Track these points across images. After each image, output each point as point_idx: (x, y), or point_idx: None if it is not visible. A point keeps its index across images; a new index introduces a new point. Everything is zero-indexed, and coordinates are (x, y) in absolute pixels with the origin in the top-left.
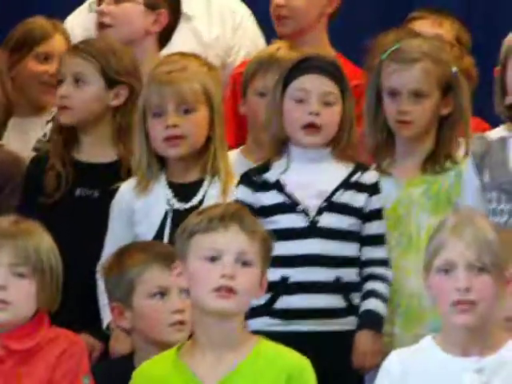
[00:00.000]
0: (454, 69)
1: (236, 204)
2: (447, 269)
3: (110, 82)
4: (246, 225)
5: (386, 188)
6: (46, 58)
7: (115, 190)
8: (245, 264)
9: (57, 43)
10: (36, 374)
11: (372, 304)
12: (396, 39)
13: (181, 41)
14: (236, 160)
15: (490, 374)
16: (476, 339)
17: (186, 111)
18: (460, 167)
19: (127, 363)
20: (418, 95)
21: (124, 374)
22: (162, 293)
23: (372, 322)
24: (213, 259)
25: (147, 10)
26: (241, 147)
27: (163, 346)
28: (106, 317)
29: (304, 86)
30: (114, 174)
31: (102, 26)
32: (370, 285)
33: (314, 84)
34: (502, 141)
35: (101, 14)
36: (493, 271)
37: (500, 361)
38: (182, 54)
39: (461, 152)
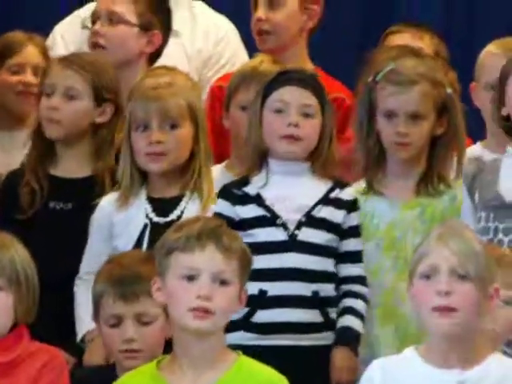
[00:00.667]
0: (449, 90)
1: (214, 220)
2: (430, 274)
3: (99, 99)
4: (223, 243)
5: (380, 208)
6: (18, 69)
7: (89, 204)
8: (222, 283)
9: (29, 54)
10: None
11: (349, 321)
12: (392, 56)
13: (168, 54)
14: (219, 174)
15: None
16: (458, 351)
17: (171, 127)
18: (454, 191)
19: (109, 372)
20: (415, 117)
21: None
22: (116, 323)
23: (348, 338)
24: (190, 278)
25: (141, 32)
26: (224, 162)
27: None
28: (81, 329)
29: (283, 97)
30: (87, 188)
31: (95, 45)
32: (347, 302)
33: (293, 96)
34: (495, 162)
35: (95, 34)
36: (476, 282)
37: (482, 374)
38: (167, 68)
39: (452, 174)
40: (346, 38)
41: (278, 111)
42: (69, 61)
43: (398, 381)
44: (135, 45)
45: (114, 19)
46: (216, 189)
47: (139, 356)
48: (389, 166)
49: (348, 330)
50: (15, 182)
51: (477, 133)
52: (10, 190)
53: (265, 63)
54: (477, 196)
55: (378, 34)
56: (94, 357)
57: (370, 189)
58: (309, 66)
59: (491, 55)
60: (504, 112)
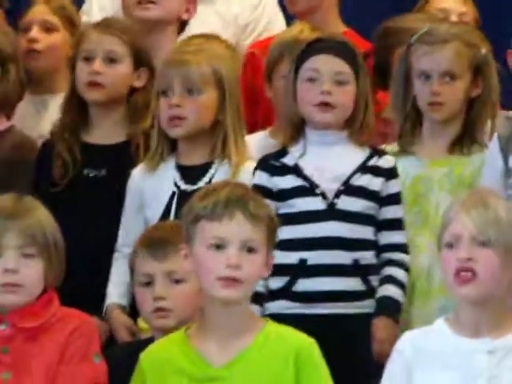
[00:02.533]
0: (484, 50)
1: (241, 186)
2: (453, 242)
3: (137, 63)
4: (250, 211)
5: (409, 165)
6: (26, 27)
7: (124, 170)
8: (250, 251)
9: (36, 11)
10: (46, 352)
11: (389, 290)
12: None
13: (204, 21)
14: (263, 140)
15: (501, 356)
16: (487, 320)
17: (191, 92)
18: (486, 154)
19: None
20: (449, 76)
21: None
22: (147, 282)
23: (389, 308)
24: (218, 247)
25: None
26: (268, 129)
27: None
28: (106, 302)
29: (315, 65)
30: (121, 154)
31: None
32: (388, 270)
33: (325, 63)
34: None
35: None
36: (498, 247)
37: None
38: (204, 36)
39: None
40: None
41: (311, 80)
42: (106, 25)
43: (428, 352)
44: (179, 7)
45: None
46: (259, 154)
47: (170, 315)
48: (424, 129)
49: (388, 299)
50: (48, 153)
51: None
52: (43, 163)
53: (305, 32)
54: (511, 159)
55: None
56: (118, 331)
57: (403, 150)
58: (340, 27)
59: None
60: None
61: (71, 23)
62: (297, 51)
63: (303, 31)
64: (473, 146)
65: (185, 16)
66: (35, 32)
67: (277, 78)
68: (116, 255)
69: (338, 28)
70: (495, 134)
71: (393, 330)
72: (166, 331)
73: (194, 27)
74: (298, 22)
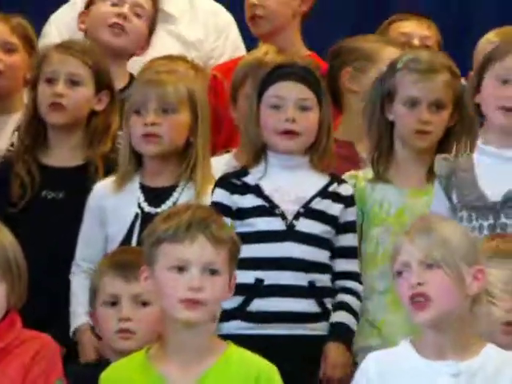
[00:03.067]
0: (463, 81)
1: (203, 209)
2: (402, 270)
3: (98, 86)
4: (212, 234)
5: (390, 194)
6: None
7: (81, 192)
8: (212, 273)
9: None
10: (9, 374)
11: (342, 316)
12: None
13: (163, 43)
14: (227, 164)
15: (466, 379)
16: (450, 342)
17: (167, 111)
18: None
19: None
20: (438, 106)
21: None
22: (113, 302)
23: (341, 333)
24: (180, 269)
25: None
26: (233, 151)
27: (115, 352)
28: (73, 323)
29: (279, 92)
30: (80, 177)
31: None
32: (342, 297)
33: (289, 91)
34: (467, 159)
35: None
36: (447, 267)
37: (477, 366)
38: (171, 58)
39: None
40: (340, 23)
41: (275, 107)
42: (69, 47)
43: (392, 374)
44: (140, 42)
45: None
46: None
47: (133, 337)
48: (399, 155)
49: (341, 325)
50: (6, 174)
51: None
52: (1, 183)
53: (269, 54)
54: (455, 196)
55: (373, 18)
56: (87, 352)
57: (378, 177)
58: (303, 50)
59: (489, 44)
60: (477, 100)
61: (30, 44)
62: (260, 75)
63: (268, 53)
64: None
65: (138, 52)
66: None
67: (241, 99)
68: (74, 270)
69: (300, 51)
70: (437, 176)
71: (344, 356)
72: (125, 353)
73: (153, 48)
74: (264, 44)
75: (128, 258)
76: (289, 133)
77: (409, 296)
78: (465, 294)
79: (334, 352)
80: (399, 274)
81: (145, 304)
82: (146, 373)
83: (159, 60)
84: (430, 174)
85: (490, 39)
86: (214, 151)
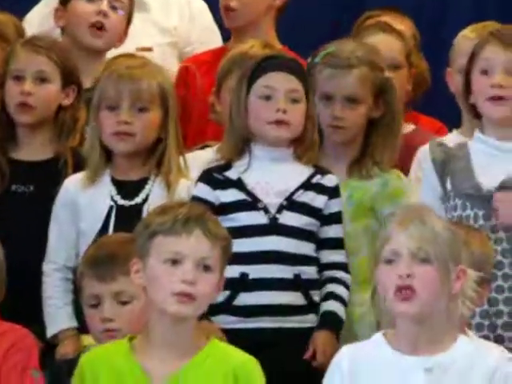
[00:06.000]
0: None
1: (199, 206)
2: (392, 259)
3: (65, 81)
4: (209, 229)
5: None
6: None
7: (51, 186)
8: (206, 269)
9: None
10: None
11: (332, 306)
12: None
13: (140, 30)
14: (211, 157)
15: (439, 374)
16: (425, 336)
17: (140, 110)
18: (386, 176)
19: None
20: (352, 101)
21: None
22: (95, 303)
23: (331, 322)
24: (174, 262)
25: None
26: (216, 146)
27: None
28: (52, 327)
29: (270, 83)
30: (49, 171)
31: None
32: (331, 287)
33: (280, 81)
34: (462, 147)
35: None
36: (437, 263)
37: (450, 359)
38: (137, 56)
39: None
40: (318, 18)
41: (266, 97)
42: (35, 44)
43: (365, 367)
44: (120, 37)
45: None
46: None
47: (118, 335)
48: (324, 148)
49: (331, 314)
50: None
51: (452, 120)
52: None
53: (255, 48)
54: (449, 183)
55: (351, 13)
56: (67, 350)
57: None
58: (276, 44)
59: (466, 40)
60: (472, 100)
61: (4, 39)
62: (248, 67)
63: (253, 47)
64: (373, 168)
65: (116, 44)
66: None
67: (225, 93)
68: (47, 269)
69: (274, 44)
70: (429, 158)
71: (333, 344)
72: None
73: (131, 37)
74: (250, 39)
75: (103, 254)
76: (280, 123)
77: (396, 285)
78: (448, 292)
79: (322, 340)
80: (388, 262)
81: (126, 302)
82: (126, 361)
83: (126, 55)
84: (352, 167)
85: (466, 35)
86: (184, 142)
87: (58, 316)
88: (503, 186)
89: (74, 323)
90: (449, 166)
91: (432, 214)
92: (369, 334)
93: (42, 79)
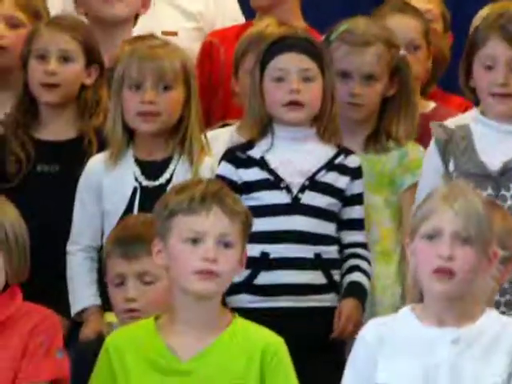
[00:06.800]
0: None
1: (217, 182)
2: (433, 235)
3: (88, 61)
4: (227, 206)
5: None
6: None
7: (76, 166)
8: (226, 246)
9: (0, 7)
10: (10, 346)
11: (357, 277)
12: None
13: (163, 13)
14: (229, 138)
15: (465, 345)
16: (454, 310)
17: (165, 88)
18: (405, 148)
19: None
20: (369, 78)
21: None
22: (119, 282)
23: (357, 292)
24: (194, 241)
25: None
26: (234, 125)
27: None
28: (76, 304)
29: (282, 65)
30: (73, 150)
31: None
32: (354, 261)
33: (291, 62)
34: (464, 128)
35: None
36: (477, 244)
37: (476, 332)
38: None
39: (402, 133)
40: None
41: (278, 79)
42: (58, 24)
43: (392, 340)
44: (139, 1)
45: None
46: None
47: (141, 316)
48: (340, 125)
49: (357, 284)
50: (1, 150)
51: None
52: None
53: (271, 26)
54: (452, 164)
55: None
56: (91, 329)
57: None
58: (301, 23)
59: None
60: (472, 84)
61: (36, 17)
62: (260, 50)
63: (269, 26)
64: (388, 143)
65: (142, 11)
66: (1, 28)
67: (242, 72)
68: (72, 249)
69: (299, 24)
70: (433, 138)
71: (358, 312)
72: None
73: (154, 19)
74: (265, 17)
75: (128, 235)
76: (294, 103)
77: (437, 265)
78: (483, 273)
79: (348, 306)
80: (429, 237)
81: (150, 283)
82: (152, 341)
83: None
84: (368, 142)
85: (483, 16)
86: (210, 118)
87: (82, 294)
88: (506, 168)
89: (98, 301)
90: (451, 145)
91: (474, 192)
92: (392, 306)
93: (65, 58)
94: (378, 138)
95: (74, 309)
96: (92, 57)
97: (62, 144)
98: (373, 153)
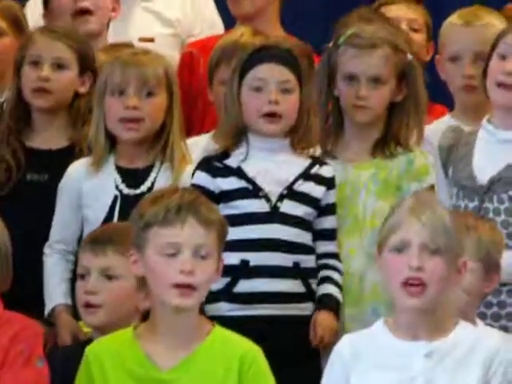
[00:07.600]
0: (410, 56)
1: (192, 192)
2: (401, 248)
3: (82, 68)
4: (202, 216)
5: (334, 169)
6: None
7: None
8: (203, 257)
9: None
10: None
11: (329, 289)
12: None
13: (141, 20)
14: (206, 145)
15: (438, 359)
16: (426, 323)
17: (148, 94)
18: (412, 154)
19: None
20: (376, 81)
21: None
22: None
23: (330, 303)
24: (171, 254)
25: None
26: (211, 132)
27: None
28: (49, 304)
29: (261, 75)
30: (64, 159)
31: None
32: (325, 273)
33: (271, 72)
34: (472, 134)
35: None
36: (446, 255)
37: (449, 344)
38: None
39: (412, 139)
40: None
41: (257, 89)
42: (53, 31)
43: (366, 355)
44: (109, 10)
45: None
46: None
47: (98, 311)
48: (346, 131)
49: (328, 296)
50: None
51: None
52: None
53: (245, 36)
54: (451, 171)
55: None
56: (62, 333)
57: (326, 153)
58: (280, 33)
59: (453, 26)
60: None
61: (17, 26)
62: (238, 57)
63: (243, 35)
64: (396, 148)
65: (113, 15)
66: None
67: (216, 83)
68: (48, 252)
69: (278, 33)
70: (436, 146)
71: (333, 324)
72: (101, 330)
73: (132, 26)
74: (240, 26)
75: (102, 233)
76: (272, 115)
77: (406, 277)
78: (453, 284)
79: (323, 316)
80: (397, 250)
81: (112, 278)
82: (131, 350)
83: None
84: (376, 148)
85: (453, 22)
86: (190, 128)
87: (53, 293)
88: (492, 181)
89: (68, 300)
90: (454, 152)
91: (441, 203)
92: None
93: (59, 65)
94: (386, 143)
95: (47, 308)
96: (86, 65)
97: (53, 153)
98: (380, 158)
